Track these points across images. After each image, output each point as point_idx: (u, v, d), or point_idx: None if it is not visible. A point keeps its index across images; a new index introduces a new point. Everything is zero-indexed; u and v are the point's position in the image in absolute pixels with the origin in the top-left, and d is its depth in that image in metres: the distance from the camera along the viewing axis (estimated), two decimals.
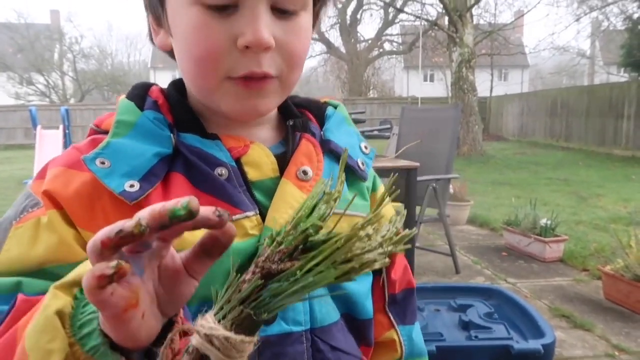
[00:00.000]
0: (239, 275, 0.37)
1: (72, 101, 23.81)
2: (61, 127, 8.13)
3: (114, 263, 0.31)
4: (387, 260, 0.37)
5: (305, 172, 0.58)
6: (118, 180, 0.51)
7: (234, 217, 0.52)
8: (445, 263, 3.80)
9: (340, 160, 0.45)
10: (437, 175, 3.53)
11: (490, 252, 4.20)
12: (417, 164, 2.93)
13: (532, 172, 9.17)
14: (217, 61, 0.52)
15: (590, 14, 17.59)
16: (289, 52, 0.54)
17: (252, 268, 0.37)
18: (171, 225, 0.32)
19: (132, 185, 0.51)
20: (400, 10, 19.07)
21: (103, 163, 0.52)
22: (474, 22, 13.13)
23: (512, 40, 21.34)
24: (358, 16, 23.99)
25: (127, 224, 0.32)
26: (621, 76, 18.14)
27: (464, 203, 5.17)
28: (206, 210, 0.34)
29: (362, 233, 0.36)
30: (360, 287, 0.61)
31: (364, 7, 23.66)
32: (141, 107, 0.57)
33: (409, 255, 2.90)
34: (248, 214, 0.53)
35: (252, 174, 0.57)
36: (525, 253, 4.02)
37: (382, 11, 23.20)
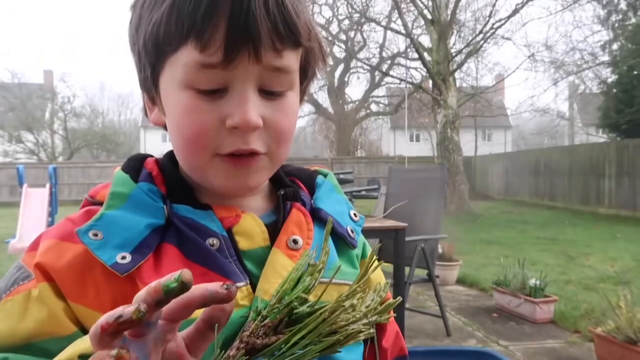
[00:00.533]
0: (223, 351, 0.37)
1: (60, 159, 23.81)
2: (48, 185, 8.08)
3: (114, 352, 0.31)
4: (372, 330, 0.37)
5: (295, 241, 0.58)
6: (110, 252, 0.51)
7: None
8: (436, 325, 3.72)
9: (325, 231, 0.46)
10: (425, 235, 3.54)
11: (481, 313, 4.14)
12: (405, 224, 2.95)
13: (519, 231, 9.22)
14: (206, 140, 0.54)
15: (567, 78, 18.43)
16: (277, 130, 0.56)
17: (236, 343, 0.36)
18: (167, 299, 0.33)
19: (123, 257, 0.51)
20: (385, 74, 19.81)
21: (96, 235, 0.52)
22: (457, 85, 13.65)
23: (494, 102, 22.12)
24: (346, 79, 24.83)
25: (127, 309, 0.32)
26: (600, 137, 18.75)
27: (453, 263, 5.15)
28: (214, 286, 0.35)
29: (346, 304, 0.36)
30: (351, 357, 0.60)
31: (351, 70, 24.55)
32: (136, 179, 0.58)
33: (399, 317, 2.85)
34: (239, 284, 0.53)
35: (243, 244, 0.57)
36: (516, 314, 3.97)
37: (368, 74, 24.08)
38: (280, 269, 0.55)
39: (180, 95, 0.54)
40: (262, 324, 0.37)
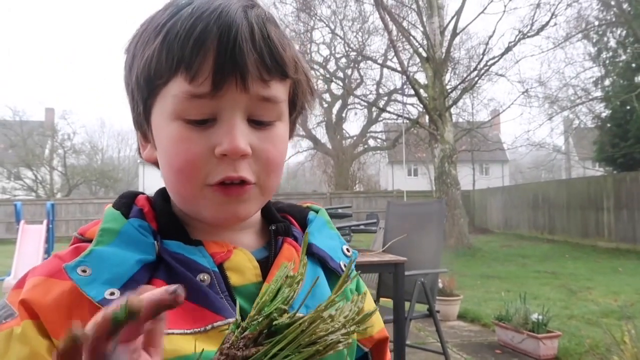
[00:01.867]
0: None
1: (58, 195, 23.78)
2: (45, 221, 8.04)
3: None
4: (350, 340, 0.38)
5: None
6: (98, 288, 0.51)
7: (215, 324, 0.52)
8: None
9: (302, 243, 0.46)
10: (425, 269, 3.51)
11: (484, 349, 4.06)
12: (405, 258, 2.92)
13: (519, 265, 9.15)
14: (195, 170, 0.55)
15: (562, 113, 18.68)
16: (265, 159, 0.57)
17: (216, 356, 0.36)
18: (117, 330, 0.32)
19: (112, 293, 0.51)
20: (383, 110, 20.09)
21: (84, 271, 0.52)
22: (453, 120, 13.82)
23: (490, 137, 22.36)
24: (343, 115, 25.15)
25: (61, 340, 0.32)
26: (597, 170, 18.85)
27: (454, 298, 5.08)
28: (158, 293, 0.34)
29: (325, 314, 0.36)
30: None
31: (349, 107, 24.90)
32: (127, 215, 0.58)
33: (399, 354, 2.78)
34: (229, 320, 0.52)
35: (234, 279, 0.57)
36: (519, 350, 3.89)
37: (365, 110, 24.41)
38: None
39: (170, 127, 0.55)
40: (242, 335, 0.37)
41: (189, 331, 0.50)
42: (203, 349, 0.43)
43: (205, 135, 0.54)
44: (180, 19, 0.54)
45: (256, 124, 0.56)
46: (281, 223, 0.66)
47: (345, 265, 0.65)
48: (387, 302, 3.05)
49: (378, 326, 0.69)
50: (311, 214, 0.70)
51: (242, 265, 0.58)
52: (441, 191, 11.49)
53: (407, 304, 3.33)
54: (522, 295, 4.10)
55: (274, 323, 0.37)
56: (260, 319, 0.37)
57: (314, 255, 0.63)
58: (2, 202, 18.21)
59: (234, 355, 0.36)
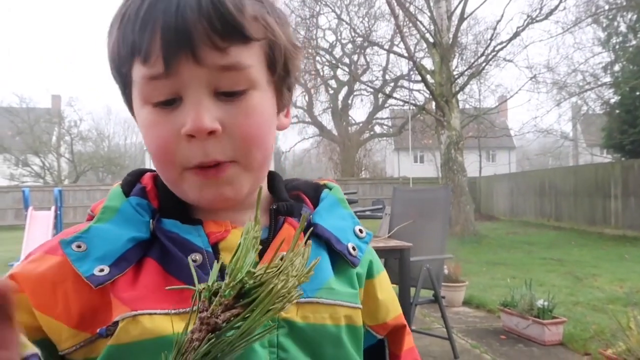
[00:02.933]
0: (186, 337, 0.37)
1: (66, 182, 23.94)
2: (53, 208, 8.11)
3: None
4: (301, 292, 0.40)
5: (281, 259, 0.57)
6: (90, 264, 0.51)
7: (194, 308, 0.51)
8: (442, 347, 3.67)
9: (300, 222, 0.44)
10: (430, 255, 3.51)
11: (489, 335, 4.08)
12: (410, 244, 2.93)
13: (525, 252, 9.14)
14: (169, 154, 0.54)
15: (570, 99, 18.50)
16: (240, 135, 0.53)
17: (197, 326, 0.37)
18: None
19: (101, 270, 0.51)
20: (389, 96, 19.98)
21: (79, 247, 0.52)
22: (460, 106, 13.73)
23: (497, 123, 22.20)
24: (349, 101, 25.04)
25: None
26: (604, 157, 18.71)
27: (459, 284, 5.10)
28: None
29: (282, 276, 0.38)
30: None
31: (355, 93, 24.77)
32: (129, 193, 0.59)
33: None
34: None
35: (227, 260, 0.56)
36: (524, 336, 3.91)
37: (372, 97, 24.27)
38: None
39: (142, 113, 0.55)
40: (220, 302, 0.38)
41: (173, 311, 0.50)
42: (185, 330, 0.41)
43: (172, 117, 0.53)
44: (134, 2, 0.52)
45: (225, 96, 0.53)
46: (284, 202, 0.62)
47: (354, 248, 0.62)
48: (392, 287, 3.06)
49: (393, 312, 0.66)
50: (325, 192, 0.67)
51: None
52: (447, 178, 11.46)
53: (412, 290, 3.34)
54: (528, 282, 4.10)
55: (245, 286, 0.38)
56: (234, 284, 0.38)
57: (318, 236, 0.60)
58: (11, 188, 18.36)
59: (215, 322, 0.37)
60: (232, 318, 0.37)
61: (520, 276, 5.99)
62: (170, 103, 0.53)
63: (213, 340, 0.36)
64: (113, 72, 0.57)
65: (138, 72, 0.53)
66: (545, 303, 3.85)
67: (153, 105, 0.53)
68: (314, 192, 0.67)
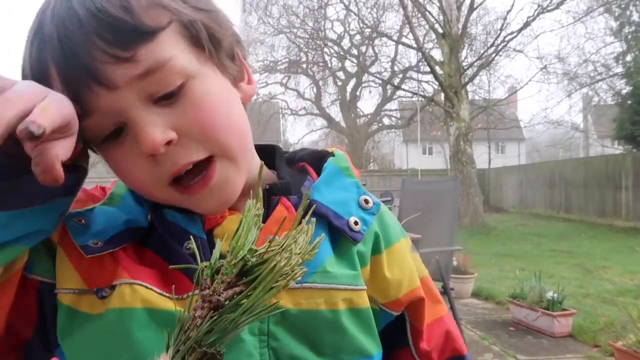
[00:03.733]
0: (189, 314, 0.37)
1: None
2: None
3: None
4: (305, 269, 0.39)
5: None
6: (86, 237, 0.53)
7: (190, 293, 0.45)
8: None
9: (303, 197, 0.43)
10: (439, 247, 3.52)
11: (498, 326, 4.08)
12: (419, 236, 2.94)
13: (535, 243, 9.11)
14: (146, 184, 0.52)
15: (581, 90, 18.30)
16: (199, 129, 0.50)
17: (199, 303, 0.37)
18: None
19: (96, 243, 0.52)
20: (397, 87, 19.88)
21: (80, 221, 0.53)
22: (469, 98, 13.63)
23: (507, 114, 22.02)
24: (357, 93, 24.94)
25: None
26: (615, 148, 18.51)
27: (468, 276, 5.10)
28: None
29: (285, 253, 0.38)
30: None
31: (363, 85, 24.66)
32: None
33: None
34: None
35: (222, 246, 0.56)
36: (534, 328, 3.91)
37: (380, 88, 24.16)
38: None
39: (102, 154, 0.53)
40: (222, 280, 0.38)
41: (167, 295, 0.50)
42: (187, 309, 0.40)
43: (128, 147, 0.50)
44: (36, 53, 0.48)
45: (166, 99, 0.49)
46: (278, 181, 0.59)
47: (357, 222, 0.57)
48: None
49: (407, 287, 0.60)
50: (328, 162, 0.62)
51: (232, 231, 0.54)
52: (456, 170, 11.42)
53: None
54: (537, 274, 4.09)
55: (247, 264, 0.38)
56: (236, 262, 0.38)
57: (317, 214, 0.54)
58: None
59: (217, 300, 0.36)
60: (234, 296, 0.37)
61: (529, 268, 5.98)
62: (119, 133, 0.50)
63: (215, 318, 0.36)
64: None
65: None
66: (555, 295, 3.85)
67: (104, 143, 0.51)
68: (319, 162, 0.63)
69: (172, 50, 0.48)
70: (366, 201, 0.60)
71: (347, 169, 0.62)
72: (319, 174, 0.61)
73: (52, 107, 0.40)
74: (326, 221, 0.56)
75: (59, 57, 0.46)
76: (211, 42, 0.52)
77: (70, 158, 0.43)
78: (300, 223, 0.41)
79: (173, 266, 0.49)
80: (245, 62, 0.59)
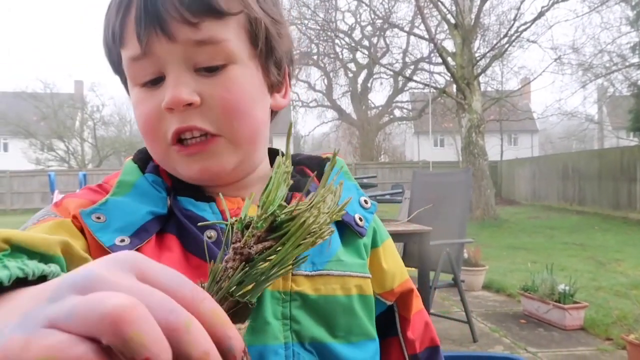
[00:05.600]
0: (222, 266, 0.38)
1: (90, 166, 24.40)
2: (78, 191, 8.31)
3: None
4: (333, 229, 0.40)
5: None
6: (110, 235, 0.53)
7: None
8: (461, 331, 3.69)
9: (332, 159, 0.46)
10: (450, 239, 3.51)
11: (508, 319, 4.08)
12: (430, 228, 2.93)
13: (547, 236, 9.04)
14: (153, 130, 0.56)
15: (596, 80, 18.02)
16: (220, 107, 0.55)
17: (230, 255, 0.38)
18: None
19: (122, 240, 0.53)
20: (409, 79, 19.74)
21: (99, 218, 0.54)
22: (482, 89, 13.50)
23: (519, 106, 21.78)
24: (369, 84, 24.82)
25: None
26: (631, 140, 18.24)
27: (479, 268, 5.09)
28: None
29: (314, 210, 0.39)
30: (362, 354, 0.59)
31: (375, 76, 24.54)
32: (144, 170, 0.61)
33: None
34: None
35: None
36: (545, 320, 3.90)
37: (391, 80, 24.02)
38: None
39: (132, 94, 0.58)
40: (253, 234, 0.38)
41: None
42: (219, 260, 0.41)
43: (156, 94, 0.55)
44: None
45: (206, 71, 0.54)
46: (295, 177, 0.62)
47: (361, 219, 0.63)
48: (412, 271, 3.07)
49: (399, 279, 0.67)
50: (329, 165, 0.67)
51: None
52: (468, 162, 11.34)
53: (431, 274, 3.35)
54: (549, 267, 4.07)
55: (277, 219, 0.39)
56: (267, 216, 0.39)
57: None
58: (37, 172, 18.81)
59: (248, 253, 0.38)
60: (264, 250, 0.38)
61: (541, 261, 5.94)
62: (156, 82, 0.55)
63: (247, 269, 0.37)
64: (107, 59, 0.60)
65: (123, 57, 0.56)
66: (567, 288, 3.82)
67: (141, 86, 0.56)
68: (318, 166, 0.68)
69: (229, 34, 0.54)
70: (365, 201, 0.66)
71: (347, 173, 0.67)
72: (318, 177, 0.64)
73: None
74: None
75: (143, 1, 0.52)
76: (266, 44, 0.58)
77: None
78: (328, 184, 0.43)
79: (202, 223, 0.52)
80: (289, 80, 0.65)
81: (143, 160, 0.62)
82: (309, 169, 0.68)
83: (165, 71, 0.54)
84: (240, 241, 0.38)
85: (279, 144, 0.74)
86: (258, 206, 0.40)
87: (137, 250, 0.53)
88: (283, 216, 0.39)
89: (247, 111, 0.56)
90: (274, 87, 0.62)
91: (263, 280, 0.38)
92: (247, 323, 0.38)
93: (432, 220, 3.37)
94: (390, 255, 0.67)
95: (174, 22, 0.52)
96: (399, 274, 0.67)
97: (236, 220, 0.40)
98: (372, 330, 0.61)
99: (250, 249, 0.38)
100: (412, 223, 3.33)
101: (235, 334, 0.26)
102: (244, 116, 0.56)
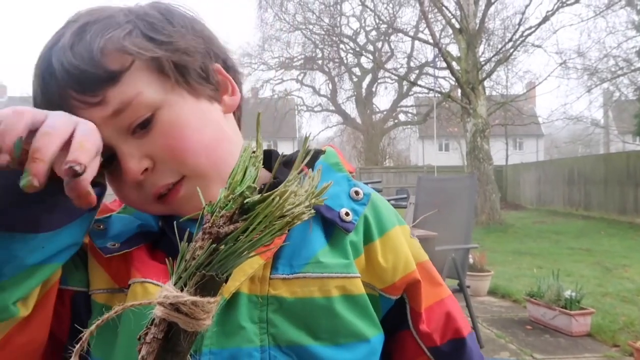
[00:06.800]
0: (194, 243, 0.39)
1: None
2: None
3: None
4: (312, 211, 0.40)
5: None
6: (105, 240, 0.60)
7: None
8: None
9: (303, 141, 0.45)
10: (455, 245, 3.50)
11: (514, 325, 4.05)
12: (435, 233, 2.93)
13: (553, 241, 8.99)
14: (137, 203, 0.60)
15: (601, 85, 17.95)
16: (169, 154, 0.56)
17: (199, 235, 0.38)
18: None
19: (113, 244, 0.59)
20: (414, 84, 19.74)
21: (99, 226, 0.61)
22: (487, 93, 13.48)
23: (525, 110, 21.72)
24: (373, 89, 24.84)
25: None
26: (637, 145, 18.14)
27: (485, 273, 5.06)
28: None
29: (289, 190, 0.39)
30: (351, 356, 0.58)
31: (379, 81, 24.55)
32: None
33: None
34: None
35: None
36: (551, 326, 3.87)
37: (396, 84, 24.03)
38: (246, 266, 0.55)
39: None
40: (221, 214, 0.38)
41: None
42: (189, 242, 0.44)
43: (116, 172, 0.57)
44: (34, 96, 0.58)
45: (140, 128, 0.55)
46: (273, 181, 0.61)
47: (347, 213, 0.60)
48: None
49: (402, 272, 0.62)
50: (319, 160, 0.65)
51: None
52: (473, 166, 11.31)
53: None
54: (555, 272, 4.04)
55: (245, 201, 0.39)
56: (234, 197, 0.39)
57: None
58: None
59: (217, 232, 0.38)
60: (235, 230, 0.38)
61: (547, 266, 5.91)
62: (111, 160, 0.56)
63: (215, 246, 0.37)
64: None
65: None
66: (573, 294, 3.80)
67: (102, 169, 0.55)
68: (311, 161, 0.66)
69: (137, 86, 0.54)
70: (357, 192, 0.63)
71: (336, 164, 0.65)
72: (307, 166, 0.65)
73: (87, 141, 0.44)
74: (319, 215, 0.59)
75: (45, 106, 0.53)
76: (176, 70, 0.57)
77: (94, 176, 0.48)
78: (300, 170, 0.42)
79: (183, 219, 0.53)
80: (226, 74, 0.63)
81: None
82: (306, 165, 0.67)
83: (111, 149, 0.55)
84: (209, 222, 0.39)
85: (284, 148, 0.73)
86: (225, 188, 0.40)
87: (126, 253, 0.59)
88: (253, 197, 0.39)
89: (195, 144, 0.56)
90: (215, 96, 0.61)
91: (233, 258, 0.38)
92: (218, 298, 0.38)
93: (437, 226, 3.36)
94: (392, 248, 0.63)
95: (80, 111, 0.52)
96: (402, 266, 0.62)
97: (207, 204, 0.40)
98: (365, 330, 0.58)
99: (219, 228, 0.38)
100: (417, 228, 3.32)
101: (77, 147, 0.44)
102: (194, 151, 0.56)
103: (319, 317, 0.56)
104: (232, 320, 0.55)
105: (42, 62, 0.55)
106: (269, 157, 0.68)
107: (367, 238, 0.62)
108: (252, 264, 0.55)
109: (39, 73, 0.56)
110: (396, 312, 0.64)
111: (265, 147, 0.61)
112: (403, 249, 0.64)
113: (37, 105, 0.56)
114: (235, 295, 0.55)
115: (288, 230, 0.40)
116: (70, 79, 0.53)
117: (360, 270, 0.60)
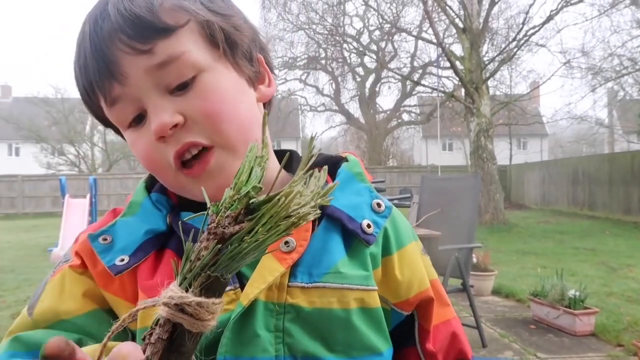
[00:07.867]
0: (198, 244, 0.39)
1: (100, 170, 24.59)
2: (88, 195, 8.37)
3: None
4: (318, 211, 0.39)
5: (287, 243, 0.55)
6: (112, 255, 0.57)
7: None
8: (470, 336, 3.66)
9: (309, 141, 0.45)
10: (459, 244, 3.50)
11: (518, 324, 4.05)
12: (439, 233, 2.93)
13: (557, 241, 8.97)
14: (156, 163, 0.57)
15: (606, 84, 17.87)
16: (204, 116, 0.55)
17: (204, 236, 0.38)
18: None
19: (122, 260, 0.57)
20: (417, 83, 19.71)
21: (105, 239, 0.58)
22: (490, 93, 13.45)
23: (529, 110, 21.66)
24: (377, 89, 24.81)
25: None
26: None
27: (488, 273, 5.06)
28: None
29: (295, 190, 0.38)
30: None
31: (383, 80, 24.53)
32: (151, 188, 0.64)
33: None
34: (226, 288, 0.54)
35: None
36: (555, 326, 3.86)
37: (399, 84, 24.00)
38: (266, 273, 0.54)
39: (126, 138, 0.59)
40: (226, 215, 0.38)
41: None
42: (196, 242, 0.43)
43: (144, 131, 0.56)
44: (77, 48, 0.56)
45: (179, 89, 0.55)
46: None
47: (369, 225, 0.59)
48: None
49: (417, 288, 0.62)
50: (342, 167, 0.65)
51: None
52: (477, 166, 11.29)
53: (440, 279, 3.34)
54: (559, 272, 4.04)
55: (251, 201, 0.39)
56: (240, 198, 0.39)
57: (330, 217, 0.58)
58: (48, 177, 18.98)
59: (222, 233, 0.37)
60: (240, 231, 0.38)
61: (551, 266, 5.90)
62: (140, 119, 0.56)
63: (220, 247, 0.37)
64: (94, 116, 0.62)
65: (103, 108, 0.58)
66: (577, 293, 3.79)
67: (128, 128, 0.57)
68: (333, 167, 0.65)
69: (187, 45, 0.54)
70: (378, 205, 0.62)
71: (360, 174, 0.64)
72: (333, 178, 0.63)
73: None
74: (340, 224, 0.59)
75: (91, 52, 0.54)
76: (226, 42, 0.57)
77: None
78: (307, 171, 0.42)
79: (187, 218, 0.53)
80: (266, 67, 0.64)
81: (153, 179, 0.65)
82: (328, 172, 0.67)
83: (143, 105, 0.55)
84: (214, 222, 0.39)
85: (287, 148, 0.73)
86: (230, 188, 0.40)
87: (135, 267, 0.57)
88: (259, 198, 0.39)
89: (230, 113, 0.56)
90: (253, 80, 0.61)
91: (238, 259, 0.38)
92: (222, 298, 0.38)
93: (440, 225, 3.36)
94: (408, 263, 0.62)
95: (126, 57, 0.52)
96: (418, 282, 0.62)
97: (212, 205, 0.40)
98: (378, 344, 0.58)
99: (224, 229, 0.38)
100: (421, 228, 3.32)
101: None
102: (229, 119, 0.56)
103: (336, 329, 0.55)
104: (248, 327, 0.53)
105: (97, 7, 0.55)
106: (290, 159, 0.67)
107: (386, 251, 0.61)
108: (273, 272, 0.54)
109: (91, 16, 0.55)
110: (404, 328, 0.63)
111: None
112: (419, 265, 0.64)
113: (77, 55, 0.56)
114: (252, 302, 0.53)
115: (310, 238, 0.39)
116: (125, 23, 0.52)
117: (376, 283, 0.59)
